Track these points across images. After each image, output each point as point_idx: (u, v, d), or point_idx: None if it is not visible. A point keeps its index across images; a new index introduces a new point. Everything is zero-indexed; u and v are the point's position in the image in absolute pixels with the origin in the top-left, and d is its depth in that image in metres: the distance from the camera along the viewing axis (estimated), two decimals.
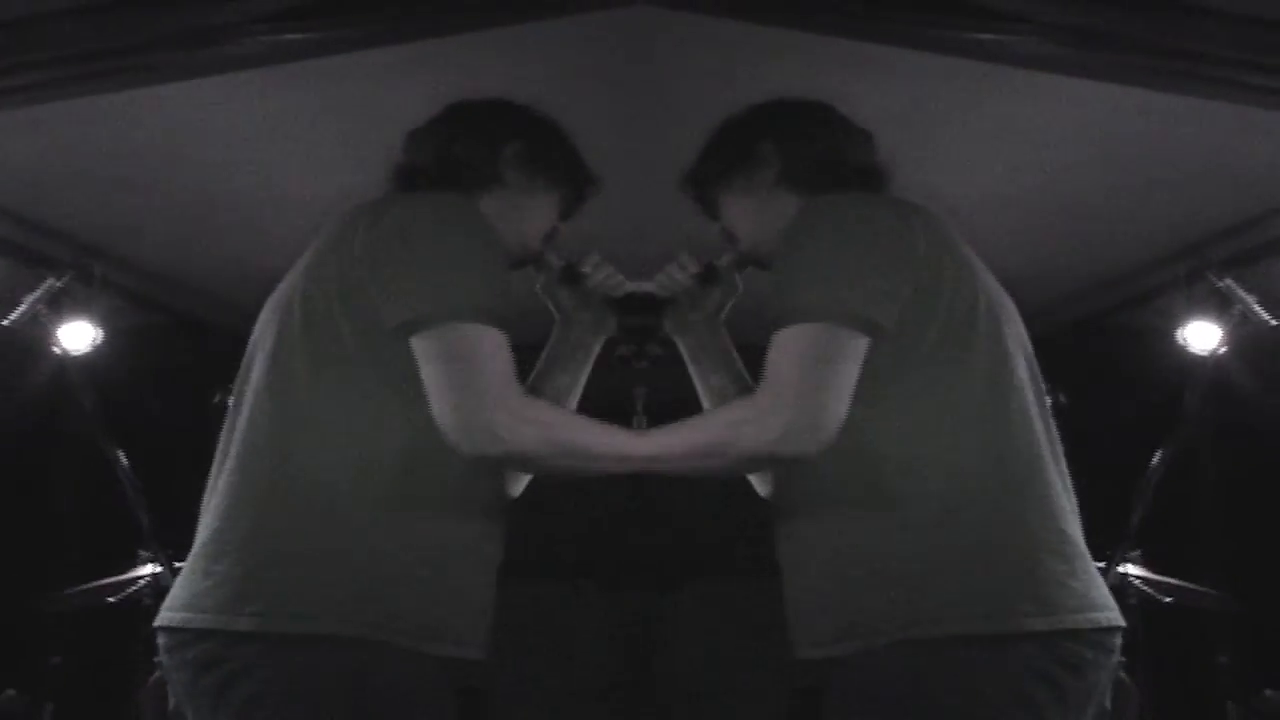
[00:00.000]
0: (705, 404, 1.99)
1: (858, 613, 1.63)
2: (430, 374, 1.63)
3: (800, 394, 1.63)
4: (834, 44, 2.49)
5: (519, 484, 1.91)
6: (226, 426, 1.76)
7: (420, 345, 1.64)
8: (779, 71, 2.67)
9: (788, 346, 1.65)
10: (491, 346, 1.65)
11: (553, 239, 1.93)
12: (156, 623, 1.69)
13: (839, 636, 1.65)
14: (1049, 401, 1.80)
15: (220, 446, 1.76)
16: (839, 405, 1.63)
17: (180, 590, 1.68)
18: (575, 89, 2.79)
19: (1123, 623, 1.69)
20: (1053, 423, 1.78)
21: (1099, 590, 1.68)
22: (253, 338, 1.78)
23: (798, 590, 1.73)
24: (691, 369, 2.00)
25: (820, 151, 1.84)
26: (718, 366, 1.97)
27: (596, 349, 1.99)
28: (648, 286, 1.94)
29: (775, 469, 1.80)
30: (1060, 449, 1.77)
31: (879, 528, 1.64)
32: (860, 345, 1.64)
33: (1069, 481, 1.76)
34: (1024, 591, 1.60)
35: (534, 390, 1.94)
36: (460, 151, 1.84)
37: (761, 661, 4.28)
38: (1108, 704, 1.76)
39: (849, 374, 1.64)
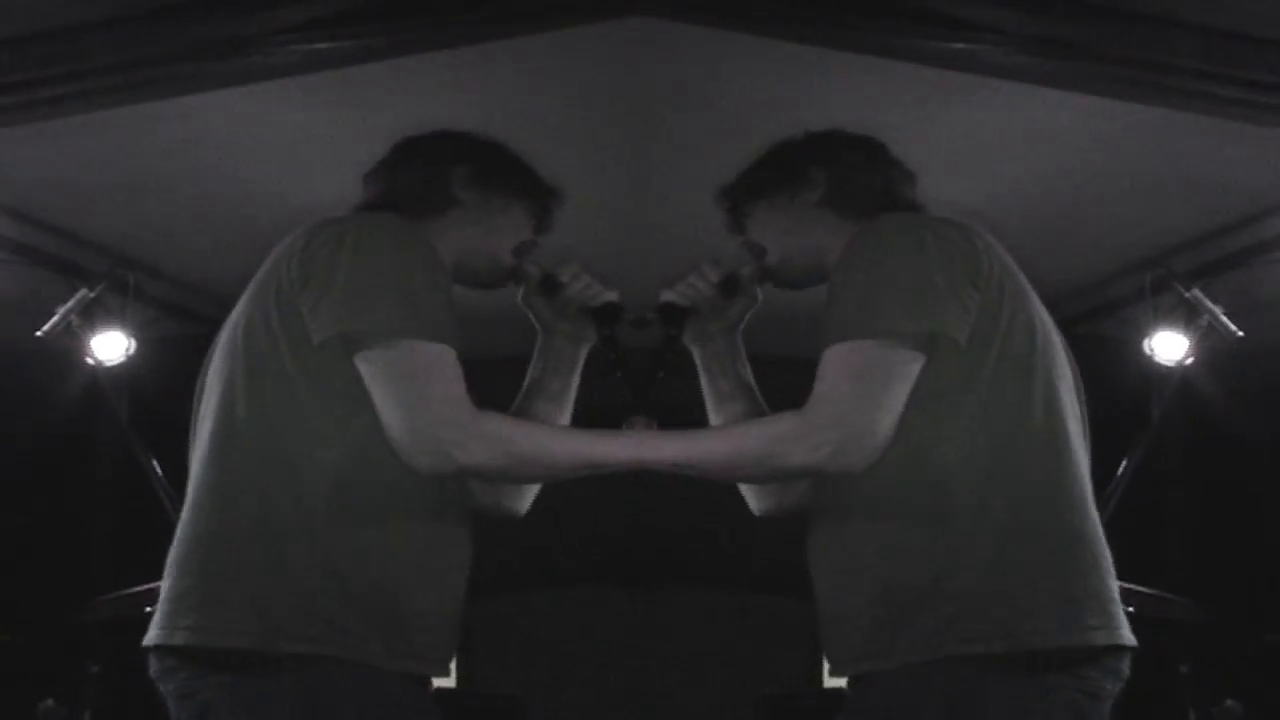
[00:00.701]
0: (712, 413, 2.01)
1: (911, 626, 1.63)
2: (378, 393, 1.64)
3: (851, 411, 1.65)
4: (797, 53, 2.50)
5: (521, 498, 1.93)
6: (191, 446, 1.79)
7: (366, 362, 1.64)
8: (755, 78, 2.68)
9: (840, 362, 1.66)
10: (439, 362, 1.65)
11: (527, 252, 1.94)
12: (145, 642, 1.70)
13: (892, 649, 1.64)
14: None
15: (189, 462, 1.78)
16: (889, 423, 1.64)
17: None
18: (579, 99, 2.83)
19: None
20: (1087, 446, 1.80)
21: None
22: (203, 365, 1.82)
23: (841, 601, 1.72)
24: (703, 378, 2.01)
25: (867, 181, 1.87)
26: (731, 377, 1.99)
27: (581, 358, 2.00)
28: (669, 295, 1.95)
29: (820, 480, 1.78)
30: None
31: (935, 540, 1.64)
32: (914, 363, 1.65)
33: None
34: (1092, 609, 1.64)
35: (526, 401, 1.96)
36: (409, 180, 1.87)
37: (726, 670, 4.30)
38: None
39: (900, 392, 1.65)
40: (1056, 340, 1.77)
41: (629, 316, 1.94)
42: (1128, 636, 1.67)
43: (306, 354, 1.64)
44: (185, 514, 1.69)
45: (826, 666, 4.23)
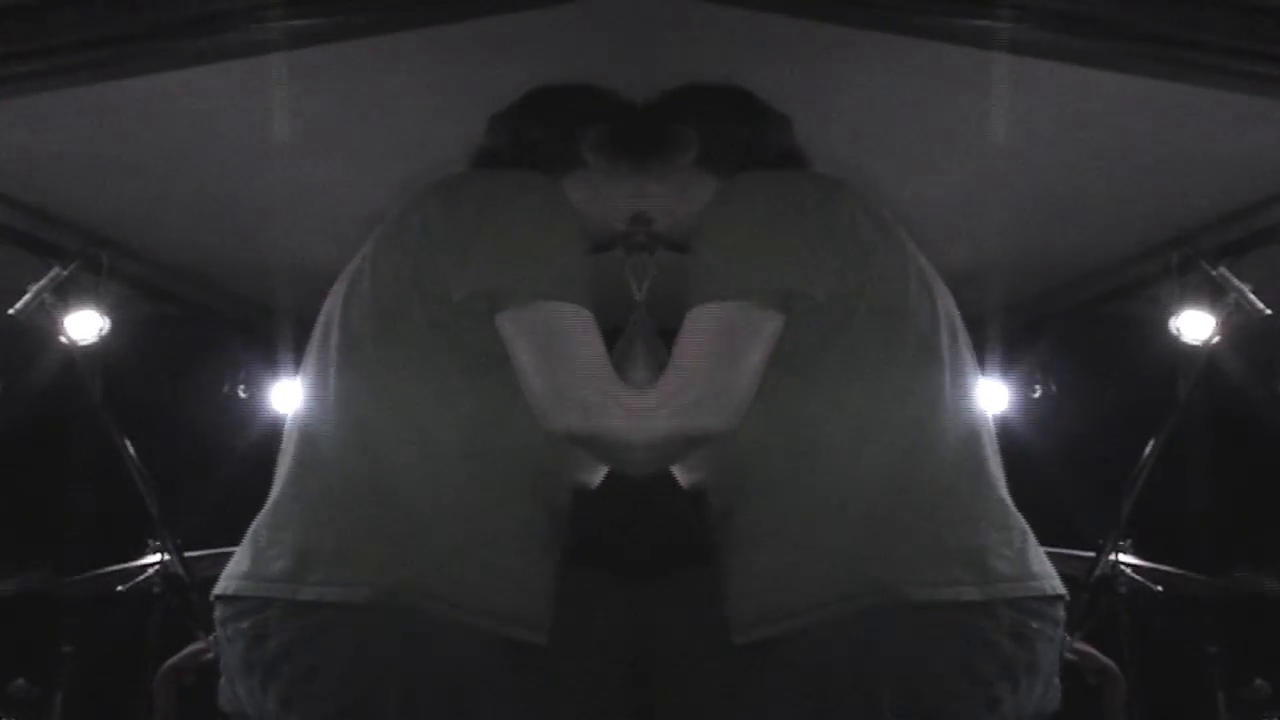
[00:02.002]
0: None
1: (800, 587, 1.62)
2: (522, 348, 1.63)
3: (706, 372, 1.63)
4: (819, 30, 2.48)
5: (597, 473, 1.90)
6: (299, 396, 1.76)
7: (511, 320, 1.63)
8: (768, 57, 2.66)
9: (695, 326, 1.65)
10: (585, 325, 1.64)
11: (643, 221, 1.90)
12: (215, 591, 1.69)
13: (783, 613, 1.63)
14: (980, 376, 1.79)
15: (291, 415, 1.76)
16: (746, 383, 1.64)
17: (242, 559, 1.67)
18: (584, 77, 2.78)
19: (1064, 592, 1.68)
20: (980, 396, 1.77)
21: (1039, 560, 1.67)
22: (323, 310, 1.79)
23: (739, 571, 1.71)
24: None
25: (740, 135, 1.84)
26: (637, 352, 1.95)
27: None
28: None
29: (695, 451, 1.75)
30: (990, 423, 1.76)
31: (817, 501, 1.63)
32: (771, 321, 1.63)
33: (998, 455, 1.75)
34: (962, 560, 1.60)
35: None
36: (539, 134, 1.84)
37: None
38: (1057, 680, 1.74)
39: (756, 351, 1.64)
40: (938, 292, 1.75)
41: None
42: (1015, 589, 1.61)
43: (443, 310, 1.63)
44: (297, 469, 1.67)
45: None
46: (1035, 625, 1.63)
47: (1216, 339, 3.74)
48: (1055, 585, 1.68)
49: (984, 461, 1.70)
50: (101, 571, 3.45)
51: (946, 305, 1.75)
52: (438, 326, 1.63)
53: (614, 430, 1.63)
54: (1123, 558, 3.51)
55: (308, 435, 1.69)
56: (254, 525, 1.70)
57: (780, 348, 1.64)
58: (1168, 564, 3.55)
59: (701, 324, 1.64)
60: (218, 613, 1.68)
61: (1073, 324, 4.34)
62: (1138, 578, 3.48)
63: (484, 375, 1.63)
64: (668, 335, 1.89)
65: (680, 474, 1.91)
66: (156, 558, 3.39)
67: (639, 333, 1.94)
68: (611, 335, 1.91)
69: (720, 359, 1.62)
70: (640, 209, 1.88)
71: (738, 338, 1.62)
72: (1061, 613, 1.68)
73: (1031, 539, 1.70)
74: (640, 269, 1.92)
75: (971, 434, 1.69)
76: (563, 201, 1.70)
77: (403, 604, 1.57)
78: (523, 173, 1.77)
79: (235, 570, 1.67)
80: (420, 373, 1.64)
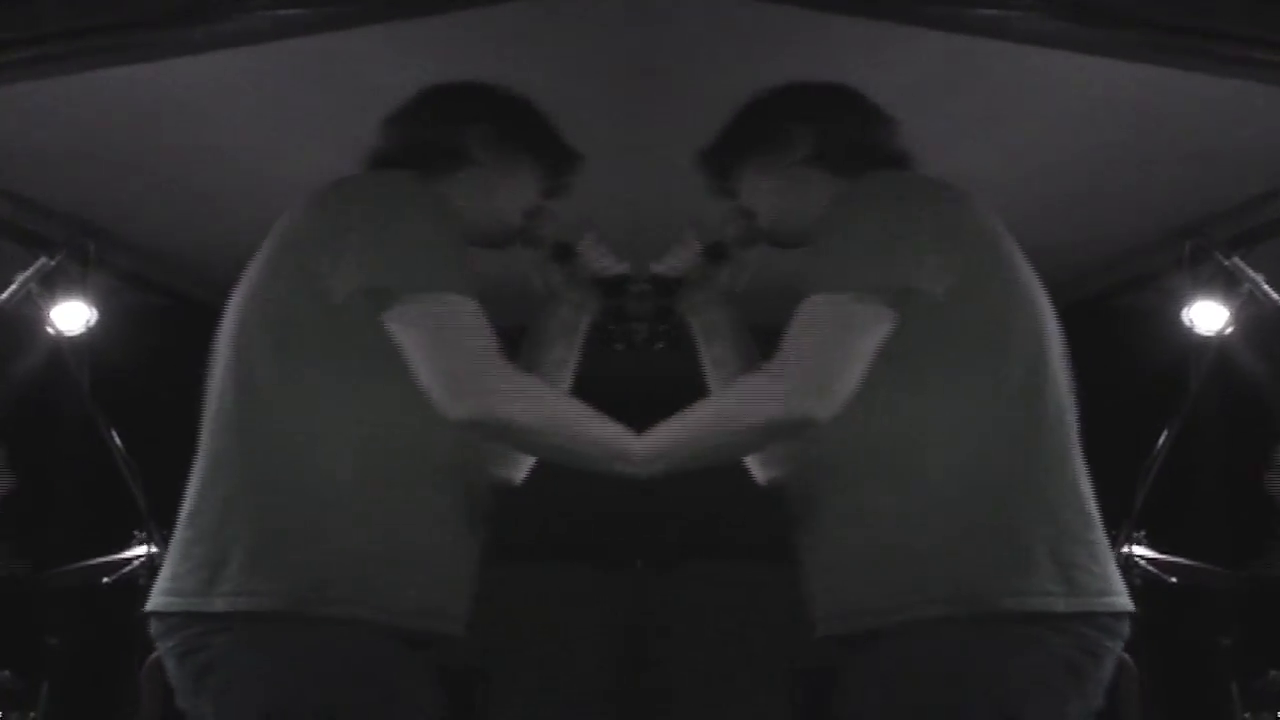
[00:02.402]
0: (711, 385, 1.98)
1: (886, 586, 1.63)
2: (412, 345, 1.63)
3: (809, 360, 1.64)
4: (830, 21, 2.47)
5: (518, 467, 1.89)
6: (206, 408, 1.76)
7: (397, 317, 1.63)
8: (780, 51, 2.65)
9: (807, 315, 1.66)
10: (471, 313, 1.65)
11: (539, 217, 1.91)
12: (146, 607, 1.70)
13: (866, 611, 1.65)
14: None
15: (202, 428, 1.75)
16: (850, 374, 1.63)
17: (164, 573, 1.68)
18: (576, 68, 2.77)
19: (1133, 608, 1.69)
20: (1073, 409, 1.77)
21: (1117, 575, 1.69)
22: (223, 319, 1.79)
23: (824, 566, 1.72)
24: (701, 349, 2.00)
25: (852, 134, 1.85)
26: (727, 346, 1.96)
27: (584, 328, 1.98)
28: (657, 267, 1.93)
29: (790, 442, 1.76)
30: (1077, 435, 1.76)
31: (908, 503, 1.64)
32: (882, 318, 1.64)
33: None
34: (1050, 572, 1.61)
35: (527, 368, 1.91)
36: (427, 133, 1.86)
37: (763, 644, 4.28)
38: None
39: (863, 345, 1.64)
40: (1045, 306, 1.76)
41: (634, 289, 1.93)
42: (1099, 604, 1.65)
43: (328, 315, 1.64)
44: (205, 479, 1.68)
45: None
46: (1109, 643, 1.66)
47: (1229, 330, 3.72)
48: (1127, 602, 1.69)
49: (1077, 473, 1.71)
50: (88, 563, 3.43)
51: (1048, 315, 1.76)
52: (326, 330, 1.64)
53: (511, 415, 1.63)
54: (1136, 550, 3.50)
55: (211, 447, 1.70)
56: (173, 539, 1.71)
57: (886, 345, 1.65)
58: (1181, 556, 3.54)
59: (813, 314, 1.65)
60: (150, 629, 1.70)
61: (1085, 315, 4.33)
62: (1152, 569, 3.47)
63: (378, 374, 1.64)
64: (757, 331, 1.92)
65: (758, 468, 1.92)
66: (143, 549, 3.38)
67: (725, 325, 1.95)
68: (517, 331, 1.92)
69: (827, 349, 1.63)
70: (742, 206, 1.90)
71: (847, 330, 1.64)
72: (1128, 629, 1.70)
73: (1111, 553, 1.72)
74: (740, 264, 1.94)
75: (1065, 445, 1.71)
76: (431, 199, 1.71)
77: (311, 610, 1.58)
78: (388, 173, 1.78)
79: (159, 586, 1.68)
80: (314, 377, 1.64)
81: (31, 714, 3.48)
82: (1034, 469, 1.66)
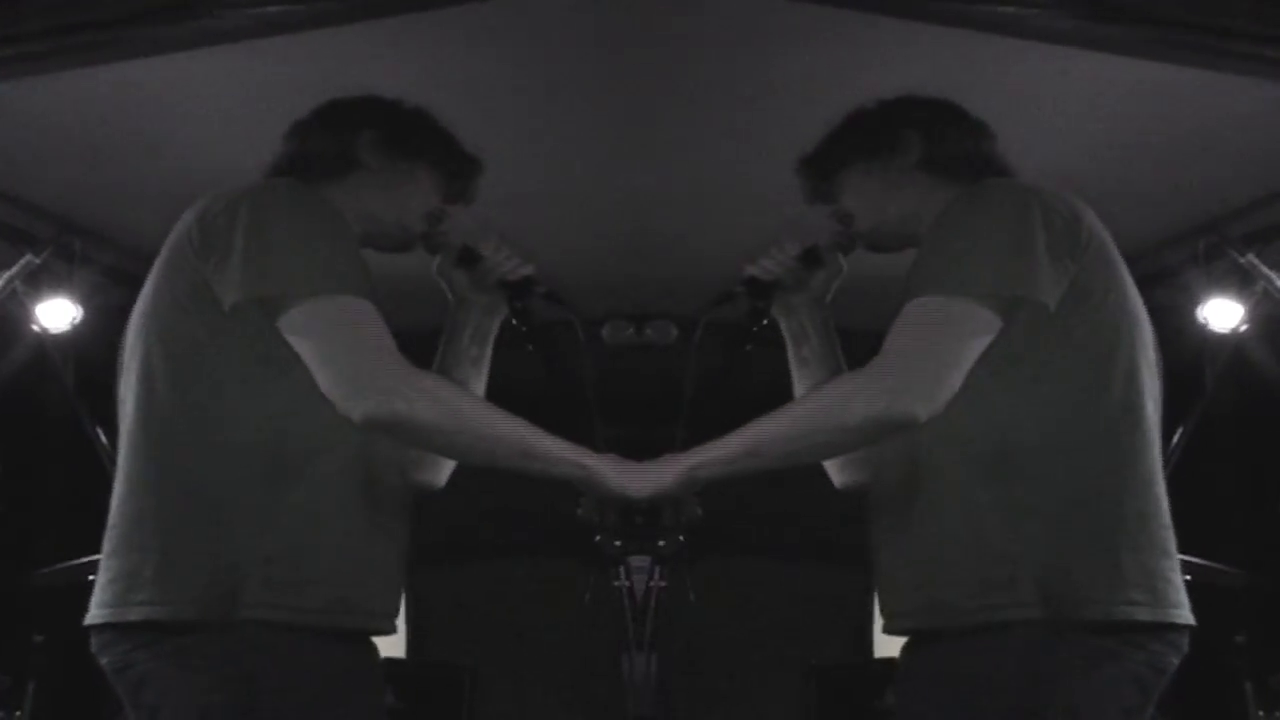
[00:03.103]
0: (796, 385, 2.00)
1: (972, 588, 1.64)
2: (309, 348, 1.65)
3: (916, 359, 1.65)
4: (846, 18, 2.47)
5: (437, 469, 1.92)
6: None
7: (290, 323, 1.64)
8: (793, 48, 2.66)
9: (912, 315, 1.68)
10: (366, 313, 1.66)
11: (439, 220, 1.94)
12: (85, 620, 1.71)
13: (947, 610, 1.66)
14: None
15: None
16: (952, 376, 1.64)
17: (96, 588, 1.70)
18: (575, 61, 2.77)
19: (1194, 622, 1.71)
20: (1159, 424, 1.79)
21: (1183, 589, 1.72)
22: (125, 332, 1.79)
23: (910, 561, 1.72)
24: (790, 351, 2.01)
25: (959, 142, 1.89)
26: (816, 349, 1.98)
27: (494, 330, 1.99)
28: (752, 269, 1.94)
29: (889, 439, 1.74)
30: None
31: (1006, 504, 1.64)
32: (988, 323, 1.65)
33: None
34: (1135, 583, 1.63)
35: (440, 372, 1.93)
36: (316, 142, 1.88)
37: (774, 641, 4.29)
38: None
39: (968, 349, 1.65)
40: (1145, 319, 1.77)
41: (541, 290, 1.92)
42: (1177, 615, 1.67)
43: (219, 323, 1.64)
44: (120, 493, 1.69)
45: (877, 636, 4.24)
46: (1173, 659, 1.68)
47: (1244, 327, 3.72)
48: (1189, 615, 1.70)
49: (1161, 487, 1.72)
50: (74, 562, 3.42)
51: (1146, 329, 1.77)
52: (220, 339, 1.65)
53: (412, 412, 1.64)
54: None
55: (121, 461, 1.71)
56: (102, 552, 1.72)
57: (992, 348, 1.66)
58: (1194, 554, 3.53)
59: (920, 315, 1.67)
60: (91, 644, 1.70)
61: None
62: None
63: (277, 379, 1.64)
64: (844, 333, 1.97)
65: (840, 471, 1.94)
66: None
67: (815, 328, 1.97)
68: (431, 335, 1.93)
69: (935, 350, 1.65)
70: (842, 210, 1.92)
71: (957, 333, 1.65)
72: (1187, 644, 1.71)
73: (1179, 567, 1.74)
74: (834, 268, 1.95)
75: (1156, 458, 1.72)
76: (314, 200, 1.72)
77: (226, 615, 1.59)
78: (273, 179, 1.81)
79: (93, 599, 1.69)
80: (212, 386, 1.64)
81: (18, 713, 3.49)
82: (1130, 480, 1.67)
